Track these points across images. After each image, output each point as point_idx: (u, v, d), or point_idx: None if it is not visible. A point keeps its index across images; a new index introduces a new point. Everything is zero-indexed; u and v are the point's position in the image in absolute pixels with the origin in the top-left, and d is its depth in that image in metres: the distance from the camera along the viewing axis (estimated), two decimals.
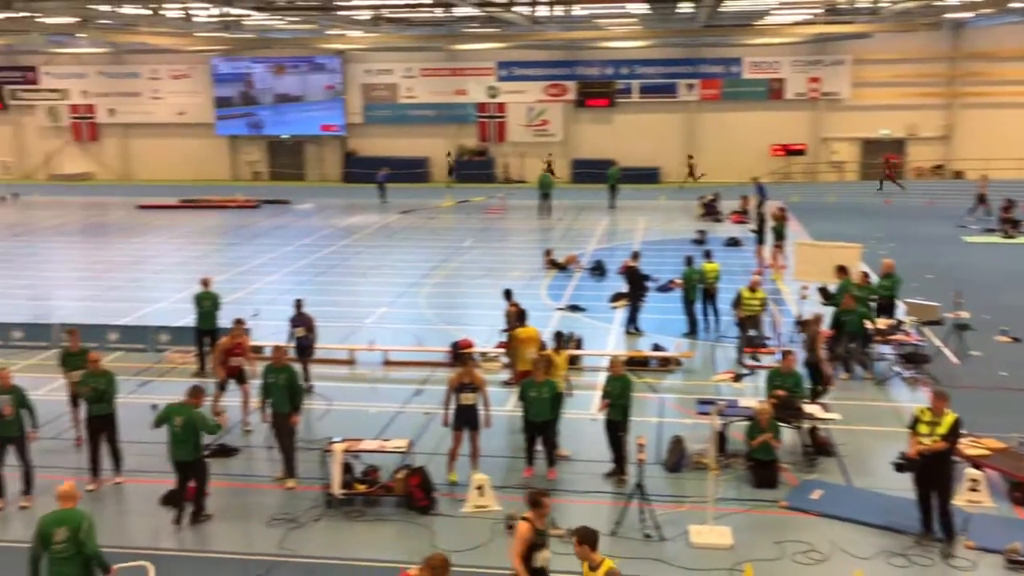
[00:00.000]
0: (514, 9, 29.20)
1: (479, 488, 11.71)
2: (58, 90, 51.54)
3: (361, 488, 11.94)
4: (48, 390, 15.78)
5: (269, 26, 35.87)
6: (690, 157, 45.20)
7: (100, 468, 12.56)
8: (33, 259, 29.40)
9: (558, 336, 14.33)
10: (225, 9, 29.47)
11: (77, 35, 37.09)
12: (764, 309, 17.59)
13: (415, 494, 11.67)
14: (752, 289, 17.55)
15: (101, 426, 12.53)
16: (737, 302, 17.65)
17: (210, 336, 17.32)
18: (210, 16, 32.12)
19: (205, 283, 17.78)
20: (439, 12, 31.18)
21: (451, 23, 35.11)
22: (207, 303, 17.40)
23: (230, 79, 49.69)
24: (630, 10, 32.73)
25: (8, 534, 11.27)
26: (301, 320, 16.43)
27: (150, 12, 29.29)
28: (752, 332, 17.46)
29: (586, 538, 7.78)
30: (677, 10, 32.26)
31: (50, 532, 8.40)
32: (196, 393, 11.62)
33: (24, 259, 29.37)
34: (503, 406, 15.42)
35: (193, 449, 11.31)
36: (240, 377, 14.76)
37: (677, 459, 12.83)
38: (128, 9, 28.91)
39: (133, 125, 51.50)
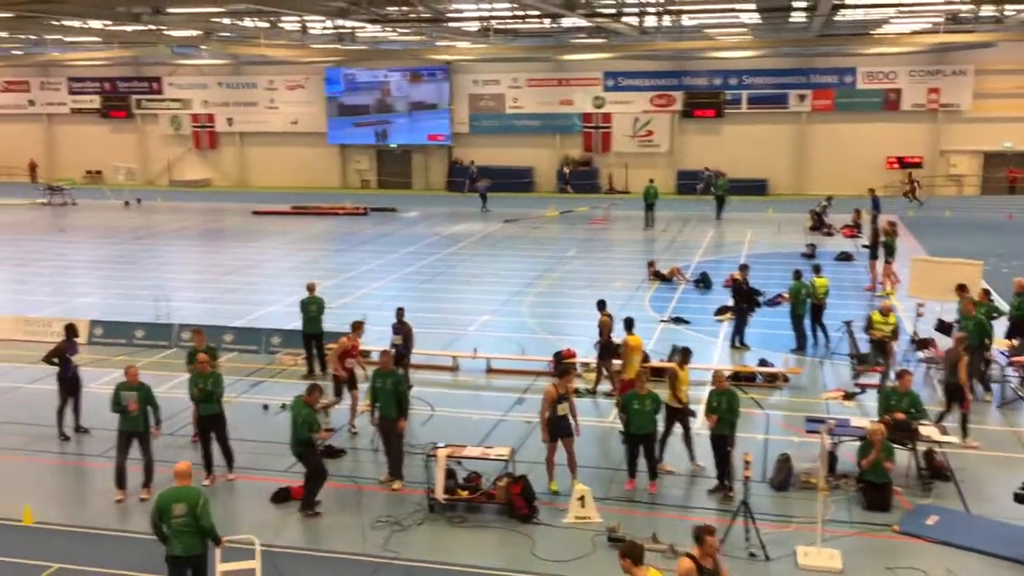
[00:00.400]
0: (623, 19, 29.12)
1: (580, 499, 11.67)
2: (181, 100, 53.86)
3: (463, 494, 12.05)
4: (167, 388, 16.42)
5: (381, 38, 36.68)
6: (706, 169, 44.39)
7: (213, 464, 13.02)
8: (154, 261, 30.73)
9: (684, 351, 13.88)
10: (340, 22, 30.28)
11: (201, 47, 38.69)
12: (895, 336, 16.78)
13: (517, 502, 11.71)
14: (884, 313, 16.83)
15: (210, 425, 13.00)
16: (868, 325, 17.01)
17: (316, 340, 17.84)
18: (324, 29, 33.07)
19: (311, 288, 18.25)
20: (547, 23, 31.34)
21: (559, 34, 35.25)
22: (313, 308, 17.87)
23: (356, 88, 50.81)
24: (741, 20, 32.23)
25: (129, 525, 11.77)
26: (400, 328, 16.69)
27: (268, 25, 30.34)
28: (880, 360, 16.76)
29: (629, 552, 7.56)
30: (790, 20, 31.62)
31: (168, 507, 9.16)
32: (313, 392, 11.96)
33: (146, 261, 30.72)
34: (604, 417, 15.39)
35: (295, 444, 11.77)
36: (351, 381, 15.10)
37: (784, 477, 12.52)
38: (248, 22, 30.00)
39: (249, 133, 53.39)
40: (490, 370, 18.24)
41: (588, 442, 13.78)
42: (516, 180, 48.12)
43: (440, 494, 11.88)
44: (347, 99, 51.05)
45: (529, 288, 25.65)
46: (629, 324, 15.73)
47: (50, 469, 13.74)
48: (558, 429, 12.46)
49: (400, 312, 16.91)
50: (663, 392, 13.16)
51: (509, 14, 29.46)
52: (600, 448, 14.06)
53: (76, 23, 30.39)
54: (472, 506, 12.00)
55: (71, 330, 15.35)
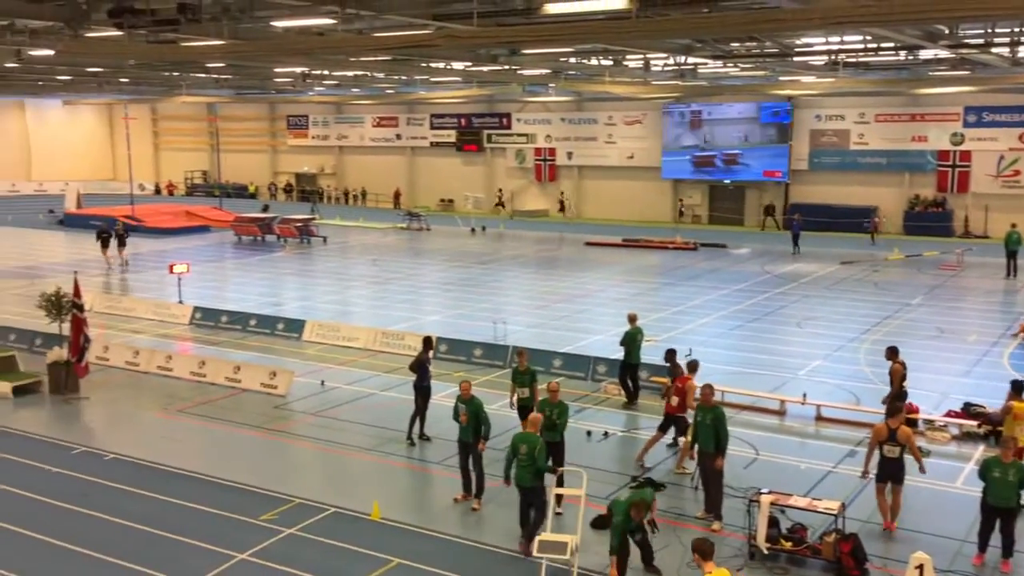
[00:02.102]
0: (992, 50, 26.65)
1: (919, 568, 10.69)
2: (526, 135, 57.13)
3: (787, 545, 11.54)
4: (499, 405, 17.33)
5: (722, 73, 36.51)
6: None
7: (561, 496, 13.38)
8: (493, 286, 32.72)
9: None
10: (682, 58, 30.57)
11: (549, 85, 40.82)
12: None
13: (846, 561, 11.00)
14: None
15: (552, 453, 13.22)
16: None
17: (635, 370, 18.16)
18: (667, 65, 33.53)
19: (633, 319, 18.50)
20: (902, 55, 29.47)
21: (915, 66, 32.99)
22: (640, 338, 18.18)
23: (693, 123, 51.11)
24: None
25: (464, 531, 12.55)
26: (673, 370, 16.23)
27: (613, 63, 31.34)
28: None
29: (698, 547, 8.50)
30: None
31: (518, 445, 11.84)
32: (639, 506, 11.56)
33: (487, 285, 32.79)
34: (952, 481, 14.07)
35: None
36: (682, 424, 14.99)
37: None
38: (594, 61, 31.21)
39: (586, 167, 55.36)
40: (820, 418, 17.35)
41: (935, 507, 12.67)
42: (856, 220, 45.55)
43: (762, 542, 11.47)
44: (684, 134, 51.31)
45: (866, 335, 24.10)
46: (1019, 388, 13.84)
47: (397, 470, 15.03)
48: (884, 471, 12.01)
49: (671, 353, 16.32)
50: None
51: (861, 47, 28.08)
52: (948, 514, 12.84)
53: (441, 65, 33.32)
54: (795, 559, 11.46)
55: (428, 343, 16.78)
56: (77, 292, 19.08)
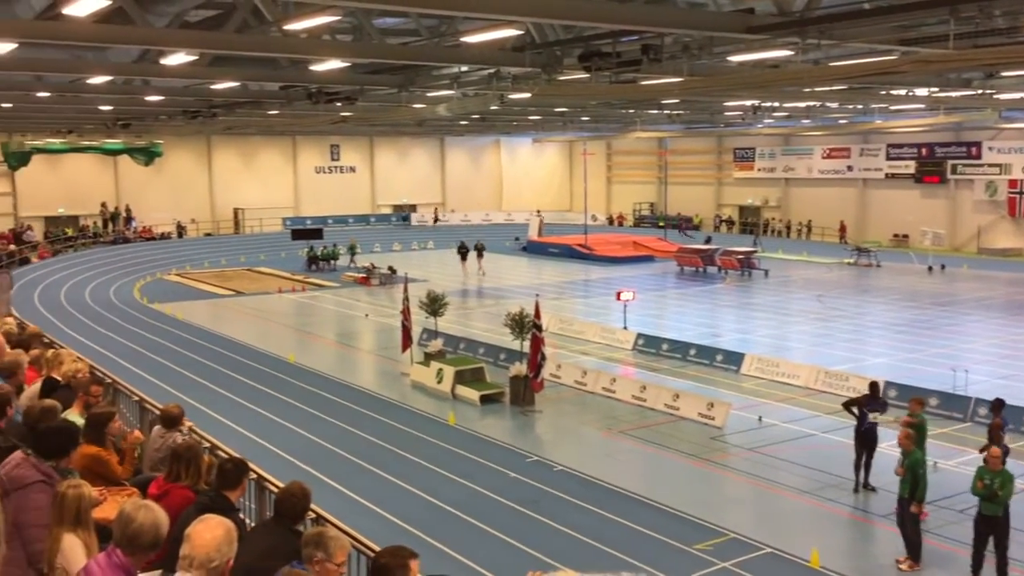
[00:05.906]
0: None
1: None
2: (999, 165, 51.43)
3: None
4: (955, 462, 15.77)
5: None
6: None
7: (981, 570, 11.85)
8: (952, 329, 29.81)
9: None
10: None
11: None
12: None
13: None
14: None
15: (987, 528, 11.84)
16: None
17: None
18: None
19: None
20: None
21: None
22: None
23: None
24: None
25: None
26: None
27: None
28: None
29: None
30: None
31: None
32: None
33: (944, 328, 29.98)
34: None
35: None
36: None
37: None
38: None
39: None
40: None
41: None
42: None
43: None
44: None
45: None
46: None
47: (836, 518, 14.31)
48: None
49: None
50: None
51: None
52: None
53: (901, 92, 31.27)
54: None
55: (874, 387, 15.82)
56: (537, 313, 20.83)
